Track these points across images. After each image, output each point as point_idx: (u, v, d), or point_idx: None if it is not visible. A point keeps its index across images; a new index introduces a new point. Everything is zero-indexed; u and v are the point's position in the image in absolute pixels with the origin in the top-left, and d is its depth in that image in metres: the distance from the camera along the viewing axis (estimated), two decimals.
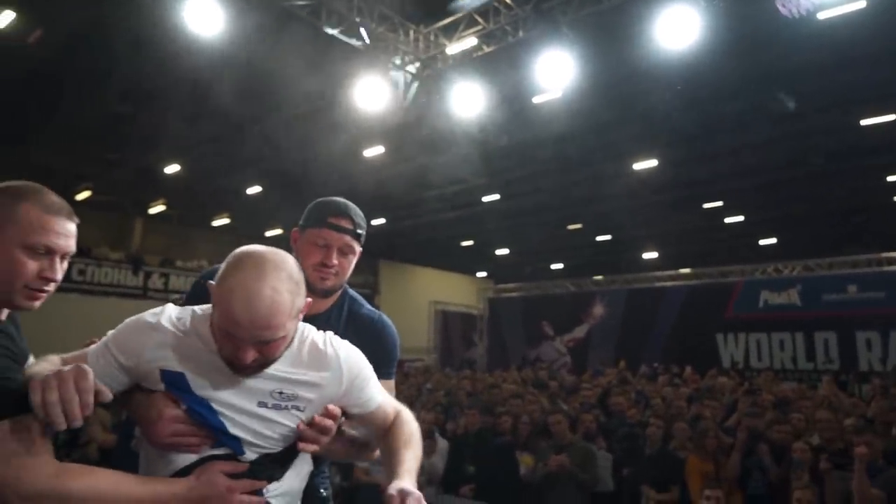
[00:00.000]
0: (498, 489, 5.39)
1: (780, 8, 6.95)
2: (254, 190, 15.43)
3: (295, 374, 1.27)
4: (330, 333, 1.36)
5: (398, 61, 9.05)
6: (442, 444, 6.11)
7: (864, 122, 10.68)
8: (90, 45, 8.57)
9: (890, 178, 13.61)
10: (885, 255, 11.49)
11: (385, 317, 1.84)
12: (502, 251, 22.87)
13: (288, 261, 1.21)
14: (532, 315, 15.90)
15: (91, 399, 1.02)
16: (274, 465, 1.30)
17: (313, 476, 1.49)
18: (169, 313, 1.26)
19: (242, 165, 13.30)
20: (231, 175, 14.15)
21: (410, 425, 1.44)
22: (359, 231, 1.68)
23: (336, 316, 1.75)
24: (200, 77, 8.84)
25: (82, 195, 14.92)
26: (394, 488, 1.18)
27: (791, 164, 12.62)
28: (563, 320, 15.17)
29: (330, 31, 8.18)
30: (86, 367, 1.07)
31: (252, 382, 1.24)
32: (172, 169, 13.88)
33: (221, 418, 1.24)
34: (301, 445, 1.30)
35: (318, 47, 8.68)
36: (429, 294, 20.25)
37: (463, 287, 24.24)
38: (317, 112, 10.33)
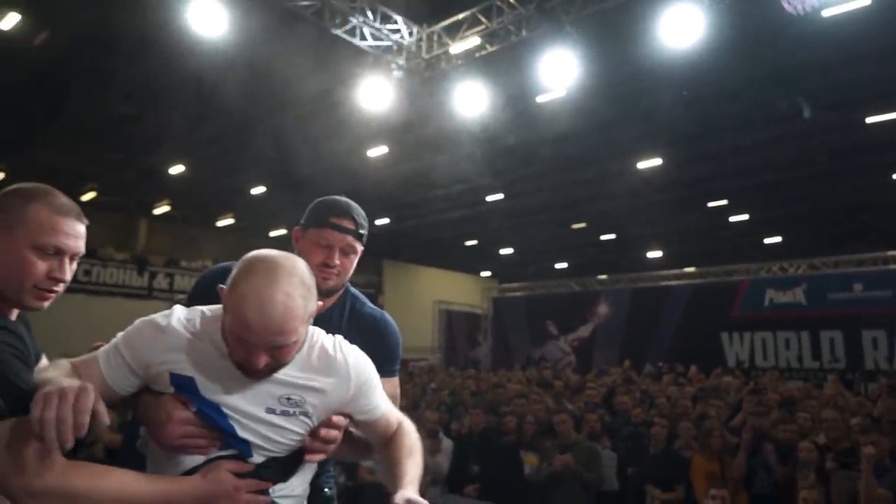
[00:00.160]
0: (502, 489, 5.39)
1: (785, 5, 6.92)
2: (258, 190, 15.47)
3: (303, 380, 1.27)
4: (340, 338, 1.36)
5: (402, 61, 9.05)
6: (446, 443, 6.11)
7: (869, 120, 10.64)
8: (95, 46, 8.60)
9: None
10: (890, 253, 11.44)
11: (387, 315, 1.84)
12: (506, 250, 22.87)
13: (299, 265, 1.22)
14: (536, 314, 15.89)
15: (86, 420, 1.01)
16: (281, 468, 1.31)
17: (318, 475, 1.50)
18: (178, 316, 1.27)
19: (246, 166, 13.33)
20: (235, 175, 14.19)
21: (412, 436, 1.44)
22: (361, 231, 1.68)
23: (338, 315, 1.75)
24: (204, 78, 8.87)
25: (87, 196, 14.98)
26: (400, 498, 1.18)
27: (796, 163, 12.58)
28: (568, 320, 15.15)
29: (333, 31, 8.18)
30: (90, 387, 1.05)
31: (261, 387, 1.24)
32: (177, 169, 13.93)
33: (231, 422, 1.24)
34: (308, 457, 1.32)
35: (321, 47, 8.69)
36: (433, 294, 20.26)
37: (467, 286, 24.26)
38: (321, 112, 10.35)
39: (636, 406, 6.92)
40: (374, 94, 8.95)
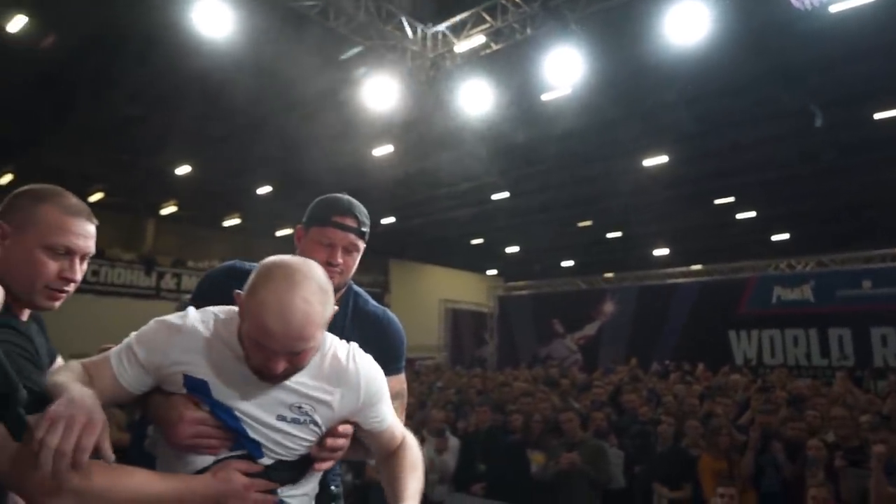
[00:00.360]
0: (509, 487, 5.39)
1: (792, 1, 6.88)
2: (264, 190, 15.51)
3: (314, 390, 1.28)
4: (354, 346, 1.37)
5: (406, 60, 9.05)
6: (453, 442, 6.12)
7: (877, 116, 10.57)
8: (101, 48, 8.65)
9: None
10: None
11: (390, 312, 1.84)
12: (512, 249, 22.85)
13: (316, 270, 1.22)
14: (542, 313, 15.87)
15: (84, 458, 1.00)
16: (290, 471, 1.32)
17: (325, 473, 1.50)
18: (193, 317, 1.27)
19: (252, 166, 13.38)
20: (241, 175, 14.24)
21: (415, 451, 1.44)
22: (363, 229, 1.68)
23: (341, 313, 1.75)
24: (210, 78, 8.90)
25: (95, 197, 15.06)
26: None
27: (803, 159, 12.51)
28: (574, 318, 15.12)
29: (338, 30, 8.20)
30: (98, 420, 1.04)
31: (273, 394, 1.25)
32: (184, 170, 13.99)
33: (242, 425, 1.25)
34: (316, 465, 1.33)
35: (326, 47, 8.71)
36: (439, 292, 20.25)
37: (473, 285, 24.24)
38: (326, 111, 10.37)
39: (643, 404, 6.90)
40: (380, 94, 8.96)
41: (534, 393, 7.19)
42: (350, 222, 1.65)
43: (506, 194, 15.75)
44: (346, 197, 1.71)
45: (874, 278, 10.96)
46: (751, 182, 14.02)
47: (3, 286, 1.16)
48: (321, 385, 1.29)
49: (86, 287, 14.06)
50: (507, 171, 13.67)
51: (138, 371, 1.23)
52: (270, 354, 1.15)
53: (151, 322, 1.28)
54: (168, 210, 17.54)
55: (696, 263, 15.49)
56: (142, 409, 1.35)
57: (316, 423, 1.30)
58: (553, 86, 9.14)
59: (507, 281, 21.99)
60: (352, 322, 1.74)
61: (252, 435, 1.26)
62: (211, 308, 1.31)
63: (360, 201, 1.74)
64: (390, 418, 1.42)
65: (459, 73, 9.11)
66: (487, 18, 8.42)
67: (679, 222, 18.04)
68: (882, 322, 10.45)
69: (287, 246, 1.73)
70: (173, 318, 1.27)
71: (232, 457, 1.27)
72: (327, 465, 1.35)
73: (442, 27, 8.86)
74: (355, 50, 8.97)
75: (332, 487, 1.72)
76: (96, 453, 1.03)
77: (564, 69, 8.03)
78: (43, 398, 1.05)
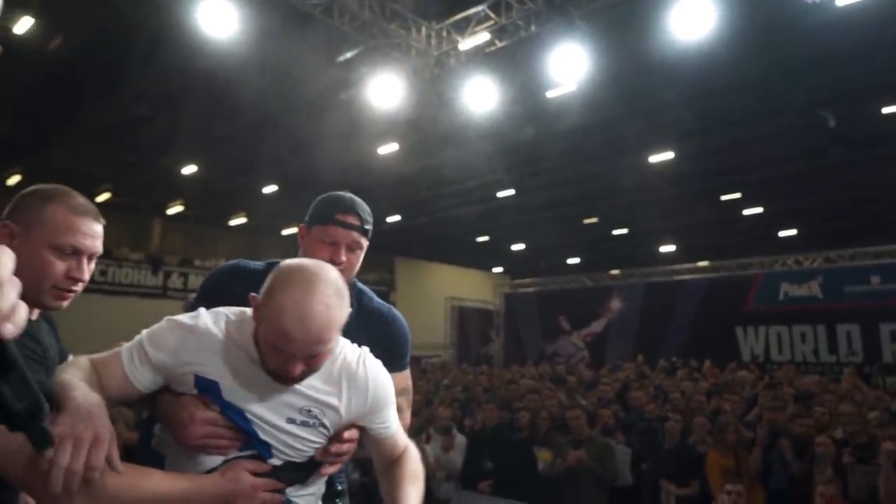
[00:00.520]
0: (516, 484, 5.39)
1: None
2: (270, 189, 15.56)
3: (324, 394, 1.29)
4: (365, 351, 1.38)
5: (411, 58, 9.05)
6: (460, 439, 6.12)
7: (885, 111, 10.49)
8: (107, 49, 8.69)
9: None
10: None
11: (395, 310, 1.84)
12: (518, 246, 22.83)
13: (332, 273, 1.22)
14: (548, 310, 15.86)
15: (96, 475, 1.00)
16: (299, 472, 1.33)
17: None
18: (205, 318, 1.27)
19: (258, 165, 13.41)
20: (247, 175, 14.28)
21: (416, 462, 1.45)
22: (366, 226, 1.68)
23: None
24: (215, 78, 8.93)
25: (102, 197, 15.15)
26: None
27: (810, 154, 12.42)
28: (580, 315, 15.11)
29: (343, 28, 8.20)
30: (106, 437, 1.03)
31: (284, 397, 1.26)
32: (189, 170, 14.04)
33: (253, 426, 1.26)
34: (323, 470, 1.35)
35: (331, 45, 8.71)
36: (445, 290, 20.27)
37: (479, 283, 24.26)
38: (331, 110, 10.38)
39: (650, 401, 6.89)
40: (384, 92, 8.95)
41: (540, 390, 7.17)
42: (353, 220, 1.65)
43: (511, 192, 15.73)
44: (349, 195, 1.71)
45: (883, 274, 10.90)
46: (757, 178, 13.94)
47: None
48: (331, 388, 1.29)
49: (94, 287, 14.14)
50: (512, 168, 13.65)
51: (149, 370, 1.24)
52: (288, 357, 1.16)
53: (163, 321, 1.29)
54: (175, 210, 17.62)
55: (702, 260, 15.44)
56: (150, 409, 1.36)
57: (324, 426, 1.31)
58: (558, 83, 9.10)
59: (513, 278, 21.98)
60: (357, 320, 1.74)
61: (262, 436, 1.27)
62: (222, 309, 1.31)
63: (366, 199, 1.74)
64: (395, 425, 1.42)
65: (464, 71, 9.09)
66: (492, 15, 8.40)
67: (685, 219, 17.97)
68: (891, 318, 10.40)
69: (293, 244, 1.73)
70: (185, 318, 1.27)
71: (241, 457, 1.28)
72: (333, 469, 1.36)
73: (446, 24, 8.85)
74: (360, 48, 8.97)
75: (338, 485, 1.73)
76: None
77: (569, 66, 8.00)
78: (49, 398, 1.06)
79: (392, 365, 1.45)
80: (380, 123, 10.43)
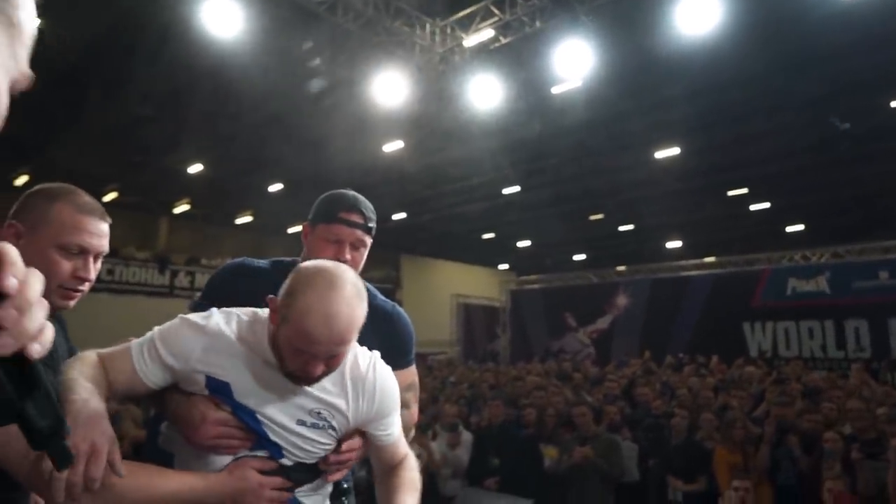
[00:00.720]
0: (522, 481, 5.39)
1: None
2: (275, 187, 15.59)
3: (332, 397, 1.29)
4: (376, 356, 1.38)
5: (415, 55, 9.04)
6: (466, 436, 6.13)
7: (894, 104, 10.41)
8: (113, 49, 8.71)
9: None
10: None
11: (398, 307, 1.84)
12: (524, 243, 22.80)
13: (351, 274, 1.24)
14: (554, 306, 15.83)
15: (96, 485, 1.00)
16: (308, 472, 1.34)
17: None
18: (217, 319, 1.27)
19: (263, 163, 13.43)
20: (253, 173, 14.31)
21: (415, 472, 1.45)
22: (370, 224, 1.68)
23: None
24: (220, 76, 8.94)
25: (109, 196, 15.20)
26: None
27: (818, 149, 12.34)
28: (586, 311, 15.08)
29: (347, 26, 8.20)
30: (104, 443, 1.03)
31: (295, 400, 1.26)
32: (196, 168, 14.08)
33: (264, 427, 1.27)
34: (329, 477, 1.36)
35: (335, 43, 8.71)
36: (451, 287, 20.26)
37: (485, 280, 24.22)
38: (336, 108, 10.39)
39: (656, 397, 6.88)
40: (389, 89, 8.96)
41: (546, 387, 7.18)
42: (356, 218, 1.65)
43: (517, 188, 15.70)
44: (352, 192, 1.70)
45: (891, 269, 10.82)
46: (764, 173, 13.86)
47: None
48: (339, 391, 1.30)
49: (101, 286, 14.22)
50: (517, 164, 13.61)
51: (159, 367, 1.24)
52: (310, 359, 1.17)
53: (175, 319, 1.29)
54: (181, 208, 17.67)
55: (709, 255, 15.37)
56: (157, 407, 1.36)
57: (333, 429, 1.32)
58: (563, 79, 9.08)
59: (518, 275, 21.94)
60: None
61: (272, 437, 1.27)
62: (234, 309, 1.31)
63: (371, 197, 1.74)
64: (398, 433, 1.43)
65: (469, 68, 9.08)
66: (496, 12, 8.38)
67: (692, 214, 17.88)
68: None
69: (299, 243, 1.73)
70: (197, 317, 1.27)
71: (250, 457, 1.29)
72: (337, 476, 1.38)
73: (450, 21, 8.84)
74: (364, 45, 8.96)
75: (344, 483, 1.74)
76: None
77: (574, 62, 7.98)
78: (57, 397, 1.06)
79: (397, 363, 1.45)
80: (385, 121, 10.42)
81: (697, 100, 10.07)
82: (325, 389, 1.28)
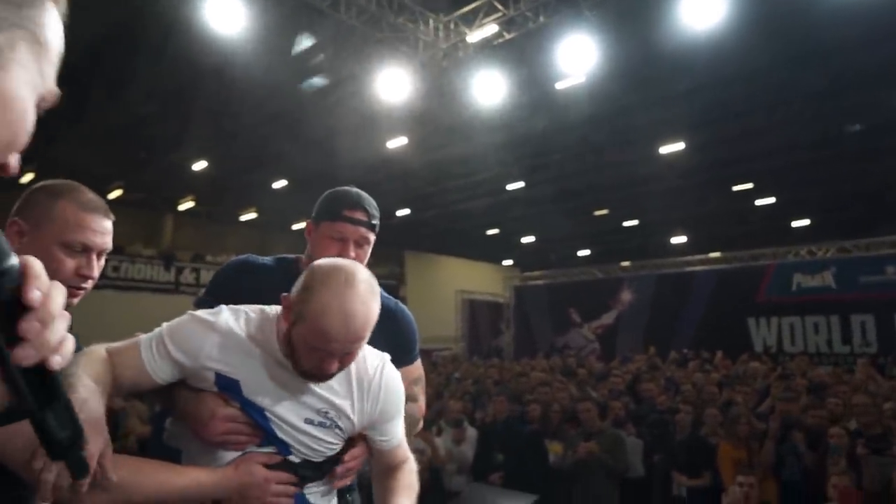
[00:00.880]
0: (527, 477, 5.39)
1: None
2: (279, 184, 15.61)
3: (338, 398, 1.30)
4: (386, 359, 1.39)
5: (419, 51, 9.02)
6: (471, 432, 6.13)
7: None
8: (117, 47, 8.72)
9: None
10: None
11: (401, 304, 1.85)
12: (528, 239, 22.78)
13: (365, 272, 1.24)
14: (559, 302, 15.81)
15: (84, 490, 0.98)
16: (315, 470, 1.34)
17: None
18: (226, 316, 1.28)
19: (267, 160, 13.45)
20: (257, 170, 14.34)
21: (413, 476, 1.46)
22: (373, 222, 1.68)
23: None
24: (223, 73, 8.95)
25: (114, 194, 15.25)
26: None
27: (824, 144, 12.28)
28: (591, 307, 15.05)
29: (350, 23, 8.19)
30: (95, 449, 1.02)
31: (303, 398, 1.27)
32: (200, 166, 14.11)
33: (272, 425, 1.27)
34: (336, 483, 1.37)
35: (339, 40, 8.70)
36: (455, 283, 20.28)
37: (489, 276, 24.22)
38: (339, 104, 10.38)
39: (661, 393, 6.87)
40: (393, 85, 8.95)
41: (551, 383, 7.17)
42: (360, 216, 1.65)
43: (521, 184, 15.68)
44: (355, 190, 1.70)
45: None
46: (769, 167, 13.81)
47: None
48: (346, 392, 1.31)
49: (106, 283, 14.28)
50: (521, 160, 13.60)
51: (167, 362, 1.24)
52: (325, 356, 1.18)
53: (184, 316, 1.29)
54: (186, 205, 17.73)
55: (714, 251, 15.34)
56: (164, 404, 1.37)
57: (340, 429, 1.32)
58: (567, 74, 9.06)
59: (523, 271, 21.94)
60: None
61: (280, 435, 1.28)
62: (242, 307, 1.32)
63: (375, 193, 1.74)
64: (399, 437, 1.44)
65: (472, 63, 9.06)
66: (499, 7, 8.35)
67: (697, 209, 17.84)
68: None
69: (303, 239, 1.74)
70: (206, 314, 1.28)
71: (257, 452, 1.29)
72: (343, 482, 1.40)
73: (454, 17, 8.81)
74: (367, 42, 8.95)
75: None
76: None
77: (578, 57, 7.96)
78: None
79: (402, 361, 1.46)
80: (388, 117, 10.41)
81: (702, 94, 10.02)
82: (332, 389, 1.29)
